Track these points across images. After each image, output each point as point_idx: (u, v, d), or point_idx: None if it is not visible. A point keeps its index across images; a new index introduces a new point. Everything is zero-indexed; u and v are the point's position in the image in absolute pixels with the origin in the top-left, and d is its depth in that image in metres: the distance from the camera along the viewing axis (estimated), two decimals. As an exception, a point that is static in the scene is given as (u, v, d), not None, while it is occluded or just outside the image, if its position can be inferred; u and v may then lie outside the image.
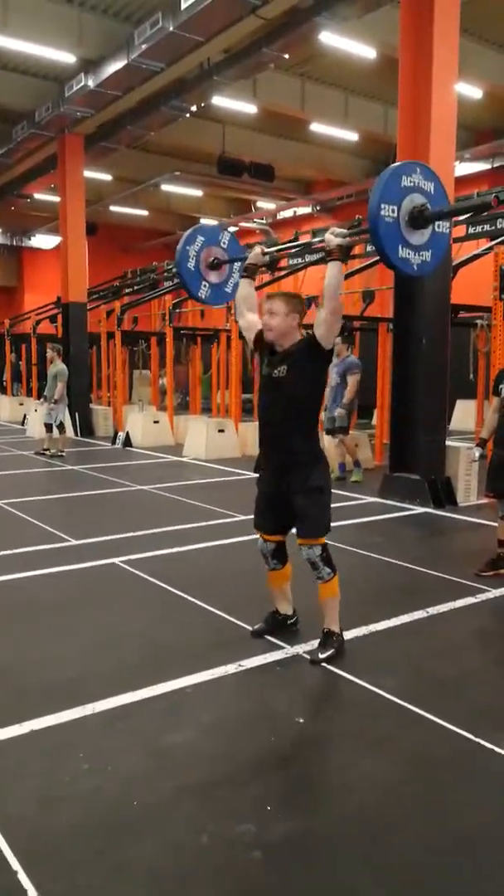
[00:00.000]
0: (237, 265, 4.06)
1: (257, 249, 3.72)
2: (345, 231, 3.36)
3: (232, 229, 10.95)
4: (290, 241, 16.04)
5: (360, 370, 8.67)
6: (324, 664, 3.41)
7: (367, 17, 9.86)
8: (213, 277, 3.97)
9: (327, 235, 3.36)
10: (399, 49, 7.38)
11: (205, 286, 3.95)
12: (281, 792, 2.47)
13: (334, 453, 8.74)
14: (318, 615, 3.60)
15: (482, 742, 2.74)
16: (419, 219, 3.00)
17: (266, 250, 3.64)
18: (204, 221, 22.83)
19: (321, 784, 2.53)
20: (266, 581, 3.82)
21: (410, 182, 3.04)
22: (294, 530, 3.57)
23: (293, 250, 12.09)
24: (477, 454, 5.16)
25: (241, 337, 11.95)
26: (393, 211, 2.89)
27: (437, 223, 3.20)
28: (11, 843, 2.15)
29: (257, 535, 3.73)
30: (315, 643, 3.62)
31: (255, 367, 15.96)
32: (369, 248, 12.71)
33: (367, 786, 2.51)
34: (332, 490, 3.62)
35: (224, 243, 3.98)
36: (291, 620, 3.83)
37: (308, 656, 3.50)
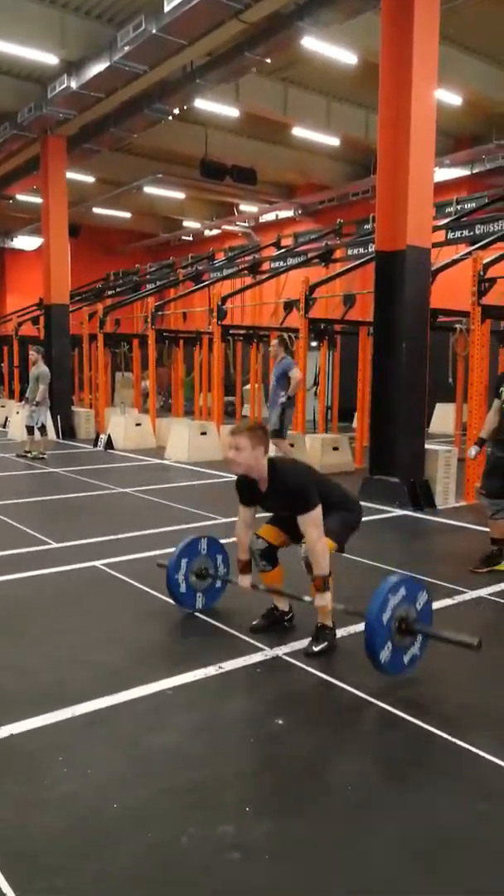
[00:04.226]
0: (220, 559, 4.21)
1: (245, 584, 3.83)
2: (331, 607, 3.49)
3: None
4: (273, 244, 16.12)
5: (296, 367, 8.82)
6: (303, 666, 3.45)
7: (349, 23, 9.94)
8: (203, 584, 4.16)
9: (321, 599, 3.46)
10: (380, 55, 7.46)
11: (199, 597, 4.17)
12: (260, 793, 2.50)
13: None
14: (306, 614, 3.64)
15: (459, 742, 2.78)
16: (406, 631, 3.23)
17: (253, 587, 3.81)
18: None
19: (300, 785, 2.55)
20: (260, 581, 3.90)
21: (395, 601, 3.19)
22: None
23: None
24: (473, 452, 5.30)
25: (224, 339, 12.00)
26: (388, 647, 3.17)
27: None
28: (-9, 846, 2.16)
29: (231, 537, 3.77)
30: (296, 644, 3.67)
31: (237, 370, 16.00)
32: (350, 251, 12.82)
33: (345, 787, 2.54)
34: None
35: (203, 551, 4.14)
36: (288, 617, 3.95)
37: (288, 658, 3.54)
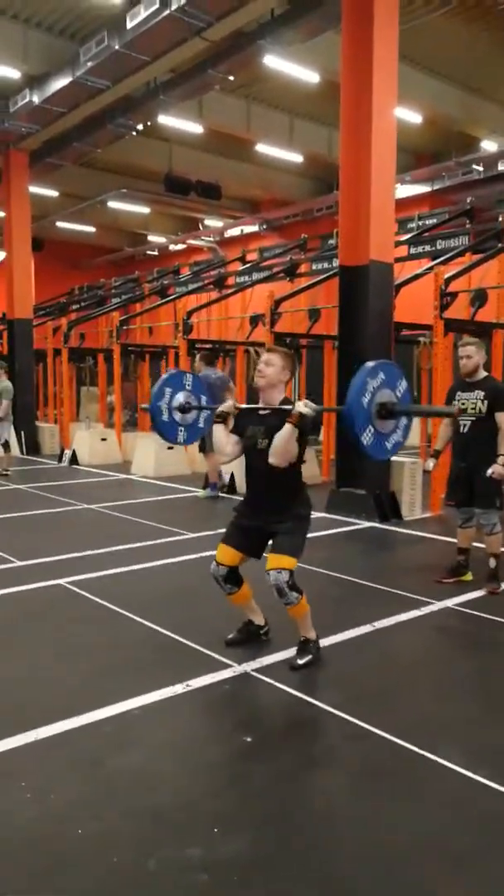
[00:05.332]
0: (203, 399, 4.30)
1: (230, 402, 3.76)
2: (315, 406, 3.38)
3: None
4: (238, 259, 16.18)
5: (217, 379, 8.52)
6: (271, 681, 3.42)
7: (311, 43, 10.07)
8: (185, 419, 4.23)
9: (299, 404, 3.34)
10: (341, 74, 7.57)
11: (181, 430, 4.23)
12: (228, 813, 2.46)
13: (211, 470, 8.70)
14: (281, 628, 3.64)
15: (427, 754, 2.78)
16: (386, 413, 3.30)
17: (237, 406, 3.73)
18: (152, 236, 22.76)
19: (269, 803, 2.52)
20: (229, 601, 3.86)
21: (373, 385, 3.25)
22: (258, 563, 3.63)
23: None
24: (430, 465, 5.33)
25: (191, 354, 11.98)
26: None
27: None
28: (-50, 877, 2.09)
29: (208, 555, 3.74)
30: (264, 660, 3.64)
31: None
32: (315, 266, 12.93)
33: (313, 802, 2.52)
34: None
35: (188, 385, 4.22)
36: (263, 630, 3.91)
37: (256, 674, 3.51)
